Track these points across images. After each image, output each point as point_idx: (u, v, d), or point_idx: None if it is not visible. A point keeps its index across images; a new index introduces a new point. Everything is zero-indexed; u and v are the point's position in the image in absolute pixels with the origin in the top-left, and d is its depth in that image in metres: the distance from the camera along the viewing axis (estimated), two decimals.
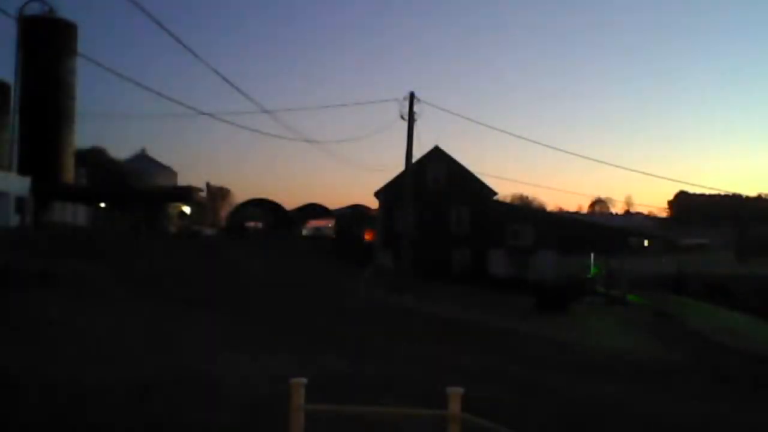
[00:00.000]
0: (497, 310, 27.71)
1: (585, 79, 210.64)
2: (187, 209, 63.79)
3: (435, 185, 42.92)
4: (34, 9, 50.79)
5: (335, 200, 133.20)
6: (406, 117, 29.76)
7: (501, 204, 47.93)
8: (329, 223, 77.60)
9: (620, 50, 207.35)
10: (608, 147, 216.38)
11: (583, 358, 16.70)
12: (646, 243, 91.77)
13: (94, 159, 65.66)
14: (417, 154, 35.66)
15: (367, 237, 48.34)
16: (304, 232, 76.74)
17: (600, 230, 46.44)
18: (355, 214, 70.90)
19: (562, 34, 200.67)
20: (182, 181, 72.26)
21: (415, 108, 29.89)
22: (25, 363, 8.42)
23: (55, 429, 6.08)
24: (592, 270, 48.77)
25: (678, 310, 37.88)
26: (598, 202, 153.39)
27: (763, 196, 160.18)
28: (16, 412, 6.40)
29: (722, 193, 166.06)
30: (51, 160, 51.62)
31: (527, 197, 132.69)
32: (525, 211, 55.63)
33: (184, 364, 9.54)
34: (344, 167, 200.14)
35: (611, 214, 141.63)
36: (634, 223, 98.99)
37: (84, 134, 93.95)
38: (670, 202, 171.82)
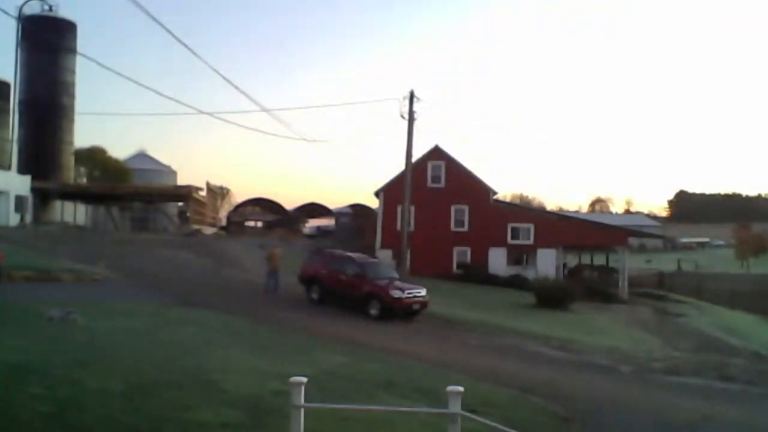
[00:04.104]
0: (497, 308, 27.70)
1: (586, 77, 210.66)
2: (186, 208, 63.79)
3: (435, 184, 42.93)
4: (33, 8, 50.75)
5: (335, 200, 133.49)
6: (406, 116, 29.73)
7: (501, 203, 47.92)
8: (329, 222, 77.68)
9: (619, 50, 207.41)
10: (609, 146, 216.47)
11: (584, 357, 16.67)
12: (646, 242, 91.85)
13: (93, 158, 65.61)
14: (417, 153, 35.67)
15: (367, 236, 48.30)
16: (305, 230, 76.82)
17: (600, 229, 46.38)
18: (355, 213, 70.88)
19: (562, 33, 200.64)
20: (182, 180, 72.16)
21: (415, 107, 29.84)
22: (26, 361, 8.39)
23: (55, 425, 6.06)
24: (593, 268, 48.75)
25: (678, 308, 37.90)
26: (598, 201, 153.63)
27: (763, 195, 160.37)
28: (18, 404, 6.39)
29: (722, 192, 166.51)
30: (51, 159, 51.64)
31: (527, 196, 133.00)
32: (525, 209, 55.60)
33: (182, 361, 9.53)
34: (344, 167, 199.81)
35: (611, 213, 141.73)
36: (634, 222, 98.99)
37: (84, 133, 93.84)
38: (670, 201, 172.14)
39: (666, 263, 67.52)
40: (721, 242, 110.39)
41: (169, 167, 76.25)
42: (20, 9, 47.72)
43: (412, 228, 33.88)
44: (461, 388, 5.25)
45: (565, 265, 42.87)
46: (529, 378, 12.36)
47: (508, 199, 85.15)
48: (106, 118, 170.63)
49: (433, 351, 15.07)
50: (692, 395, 12.33)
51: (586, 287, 35.44)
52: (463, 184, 42.74)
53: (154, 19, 13.93)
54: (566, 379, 13.00)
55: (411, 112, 29.50)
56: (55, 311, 12.62)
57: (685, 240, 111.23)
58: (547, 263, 39.98)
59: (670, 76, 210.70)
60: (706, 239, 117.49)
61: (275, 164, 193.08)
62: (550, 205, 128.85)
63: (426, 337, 18.02)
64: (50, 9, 52.32)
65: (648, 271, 57.01)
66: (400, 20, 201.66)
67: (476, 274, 39.44)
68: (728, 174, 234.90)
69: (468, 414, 5.31)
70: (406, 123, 29.72)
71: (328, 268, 22.33)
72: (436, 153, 43.44)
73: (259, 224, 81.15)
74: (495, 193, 45.18)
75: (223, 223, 78.41)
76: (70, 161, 55.41)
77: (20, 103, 50.99)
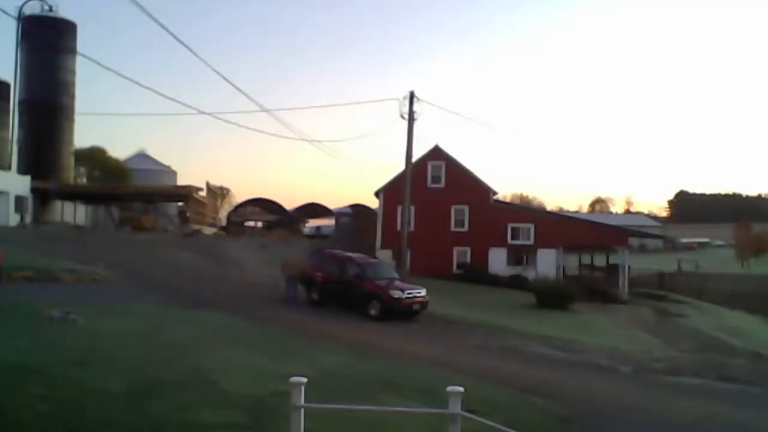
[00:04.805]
0: (497, 309, 27.68)
1: (585, 78, 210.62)
2: (186, 208, 63.76)
3: (435, 184, 42.93)
4: (33, 8, 50.75)
5: (335, 200, 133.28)
6: (406, 116, 29.74)
7: (501, 203, 47.91)
8: (329, 223, 77.62)
9: (620, 50, 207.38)
10: (609, 146, 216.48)
11: (584, 357, 16.67)
12: (646, 242, 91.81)
13: (93, 158, 65.62)
14: (417, 153, 35.65)
15: (367, 236, 48.31)
16: (305, 231, 76.78)
17: (600, 229, 46.38)
18: (355, 213, 70.85)
19: (562, 33, 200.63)
20: (182, 180, 72.19)
21: (415, 107, 29.85)
22: (26, 361, 8.38)
23: (55, 425, 6.05)
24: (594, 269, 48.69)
25: (678, 308, 37.86)
26: (598, 202, 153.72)
27: (763, 195, 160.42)
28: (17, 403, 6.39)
29: (722, 192, 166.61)
30: (50, 159, 51.63)
31: (527, 196, 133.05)
32: (525, 209, 55.58)
33: (182, 361, 9.52)
34: (344, 167, 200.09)
35: (611, 213, 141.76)
36: (634, 222, 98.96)
37: (84, 133, 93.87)
38: (670, 201, 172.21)
39: (666, 263, 67.40)
40: (721, 242, 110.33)
41: (169, 167, 76.29)
42: (20, 9, 47.76)
43: (412, 228, 33.89)
44: (461, 388, 5.24)
45: (565, 269, 42.81)
46: (529, 378, 12.35)
47: (508, 199, 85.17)
48: (106, 118, 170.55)
49: (433, 351, 15.06)
50: (692, 395, 12.32)
51: (585, 287, 35.40)
52: (463, 184, 42.73)
53: (153, 19, 13.94)
54: (566, 379, 13.00)
55: (411, 112, 29.53)
56: (55, 311, 12.61)
57: (685, 240, 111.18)
58: (547, 263, 39.96)
59: (670, 76, 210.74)
60: (706, 239, 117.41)
61: (275, 164, 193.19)
62: (550, 205, 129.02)
63: (426, 337, 18.01)
64: (50, 9, 52.32)
65: (648, 271, 56.93)
66: (400, 20, 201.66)
67: (476, 274, 39.42)
68: (728, 174, 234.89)
69: (468, 414, 5.30)
70: (406, 123, 29.76)
71: (328, 268, 22.31)
72: (436, 153, 43.44)
73: (259, 224, 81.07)
74: (495, 193, 45.17)
75: (223, 223, 78.36)
76: (70, 161, 55.41)
77: (20, 103, 50.98)
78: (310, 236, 68.16)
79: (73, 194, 52.33)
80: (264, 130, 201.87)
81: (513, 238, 42.11)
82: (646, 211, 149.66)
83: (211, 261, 31.67)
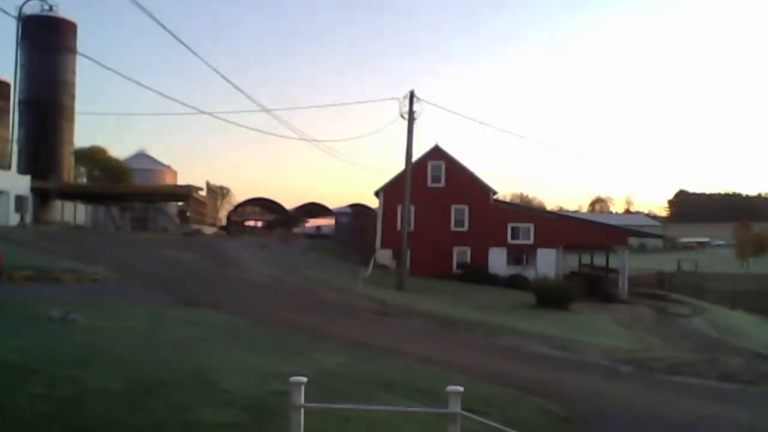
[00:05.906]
0: (497, 308, 27.69)
1: (586, 77, 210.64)
2: (186, 208, 63.76)
3: (435, 184, 42.95)
4: (33, 8, 50.74)
5: (335, 199, 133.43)
6: (406, 116, 29.75)
7: (501, 203, 47.93)
8: (329, 222, 77.63)
9: (620, 49, 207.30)
10: (609, 146, 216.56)
11: (583, 357, 16.67)
12: (646, 242, 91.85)
13: (93, 158, 65.61)
14: (417, 153, 35.72)
15: (367, 236, 48.33)
16: (305, 230, 76.78)
17: (600, 229, 46.38)
18: (355, 213, 70.89)
19: (563, 33, 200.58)
20: (182, 180, 72.18)
21: (415, 107, 29.92)
22: (26, 361, 8.38)
23: (55, 425, 6.06)
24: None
25: (678, 308, 37.87)
26: (598, 201, 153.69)
27: (763, 195, 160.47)
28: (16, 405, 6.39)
29: (722, 192, 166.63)
30: (51, 159, 51.66)
31: (527, 196, 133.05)
32: (525, 209, 55.60)
33: (182, 361, 9.52)
34: (344, 167, 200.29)
35: (611, 213, 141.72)
36: (634, 222, 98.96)
37: (84, 133, 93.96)
38: (670, 201, 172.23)
39: (666, 263, 67.40)
40: (721, 242, 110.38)
41: (169, 167, 76.29)
42: (20, 9, 47.71)
43: (412, 228, 33.91)
44: (461, 388, 5.24)
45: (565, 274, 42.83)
46: (529, 378, 12.34)
47: (508, 199, 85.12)
48: (106, 118, 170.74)
49: (433, 351, 15.05)
50: (692, 395, 12.32)
51: (586, 287, 35.42)
52: (463, 184, 42.76)
53: (153, 18, 13.97)
54: (566, 379, 12.99)
55: (411, 112, 29.57)
56: (55, 311, 12.59)
57: (685, 240, 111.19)
58: (547, 263, 39.99)
59: (670, 76, 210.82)
60: (706, 239, 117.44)
61: (275, 164, 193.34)
62: (550, 205, 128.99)
63: (426, 337, 18.01)
64: (50, 9, 52.32)
65: (648, 270, 56.96)
66: (401, 19, 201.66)
67: (476, 274, 39.46)
68: (728, 174, 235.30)
69: (468, 414, 5.30)
70: (406, 123, 29.78)
71: None
72: (436, 153, 43.47)
73: (259, 224, 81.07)
74: (495, 193, 45.19)
75: (223, 222, 78.35)
76: (70, 161, 55.43)
77: (20, 103, 50.97)
78: (310, 236, 68.20)
79: (73, 194, 52.33)
80: (264, 130, 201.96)
81: (513, 237, 42.14)
82: (646, 211, 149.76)
83: (211, 260, 31.65)
